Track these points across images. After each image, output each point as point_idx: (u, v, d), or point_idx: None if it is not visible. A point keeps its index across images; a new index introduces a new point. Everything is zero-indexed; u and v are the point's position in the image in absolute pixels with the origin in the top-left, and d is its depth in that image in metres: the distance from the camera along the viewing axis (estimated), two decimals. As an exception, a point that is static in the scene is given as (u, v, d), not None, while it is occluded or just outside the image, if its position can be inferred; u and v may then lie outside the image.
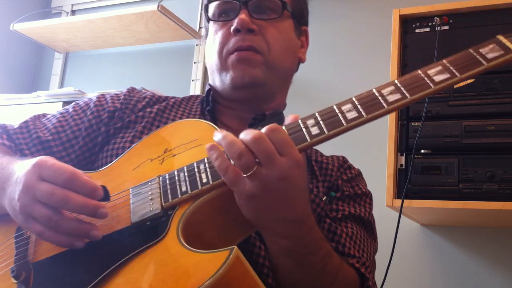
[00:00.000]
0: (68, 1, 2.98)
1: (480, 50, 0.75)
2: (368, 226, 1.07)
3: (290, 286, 0.84)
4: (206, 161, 0.80)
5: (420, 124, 1.63)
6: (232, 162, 0.73)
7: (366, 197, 1.10)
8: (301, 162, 0.74)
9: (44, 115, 1.12)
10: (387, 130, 1.69)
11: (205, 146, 0.75)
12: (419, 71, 0.76)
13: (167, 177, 0.83)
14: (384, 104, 0.74)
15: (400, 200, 1.60)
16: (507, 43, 0.74)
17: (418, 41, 1.72)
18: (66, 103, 2.28)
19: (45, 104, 2.36)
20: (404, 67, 1.72)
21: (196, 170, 0.80)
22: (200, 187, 0.77)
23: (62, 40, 2.79)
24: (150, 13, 2.43)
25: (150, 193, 0.82)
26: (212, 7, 1.09)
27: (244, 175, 0.72)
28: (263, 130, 0.73)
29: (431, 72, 0.75)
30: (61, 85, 2.89)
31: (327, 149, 1.15)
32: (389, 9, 1.82)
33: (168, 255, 0.71)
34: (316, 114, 0.77)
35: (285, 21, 1.09)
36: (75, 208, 0.75)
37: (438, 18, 1.68)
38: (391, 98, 0.74)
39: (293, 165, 0.73)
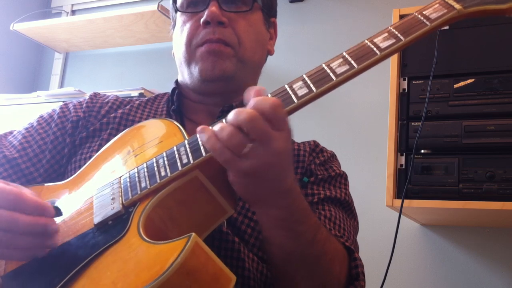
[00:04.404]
0: (68, 1, 2.98)
1: (424, 12, 0.77)
2: (346, 206, 1.06)
3: (281, 260, 0.84)
4: (164, 155, 0.80)
5: (420, 124, 1.63)
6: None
7: (340, 178, 1.09)
8: (291, 133, 0.75)
9: (10, 132, 1.11)
10: (387, 130, 1.69)
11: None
12: (366, 41, 0.77)
13: (128, 175, 0.83)
14: (333, 77, 0.74)
15: (400, 200, 1.60)
16: (450, 1, 0.76)
17: (418, 41, 1.72)
18: (66, 103, 2.28)
19: (45, 104, 2.36)
20: (404, 67, 1.72)
21: (155, 165, 0.80)
22: (159, 181, 0.77)
23: (62, 40, 2.79)
24: (150, 13, 2.43)
25: (111, 193, 0.82)
26: None
27: (238, 155, 0.71)
28: (260, 106, 0.71)
29: (377, 40, 0.76)
30: (61, 85, 2.89)
31: (327, 147, 1.16)
32: (389, 9, 1.82)
33: (130, 250, 0.71)
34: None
35: (255, 14, 1.08)
36: (24, 228, 0.74)
37: (438, 18, 1.68)
38: (339, 70, 0.75)
39: (287, 138, 0.73)
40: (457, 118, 1.63)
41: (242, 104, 1.04)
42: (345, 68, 0.75)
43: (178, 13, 1.09)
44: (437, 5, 0.76)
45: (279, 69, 2.29)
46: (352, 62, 0.75)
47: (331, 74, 0.75)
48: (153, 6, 2.39)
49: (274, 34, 1.17)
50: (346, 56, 0.76)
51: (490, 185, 1.55)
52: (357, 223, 1.09)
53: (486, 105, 1.61)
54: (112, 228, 0.77)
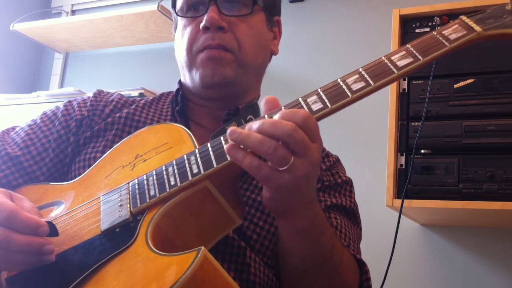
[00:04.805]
0: (68, 1, 2.98)
1: (443, 32, 0.75)
2: (351, 214, 1.06)
3: (300, 271, 0.85)
4: (174, 163, 0.79)
5: (420, 124, 1.63)
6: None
7: (346, 185, 1.09)
8: (322, 143, 0.75)
9: (13, 128, 1.09)
10: (387, 130, 1.69)
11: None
12: (383, 57, 0.75)
13: (136, 182, 0.82)
14: (349, 93, 0.73)
15: (400, 200, 1.60)
16: (470, 23, 0.74)
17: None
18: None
19: (45, 104, 2.36)
20: (404, 67, 1.72)
21: (164, 173, 0.79)
22: (168, 190, 0.76)
23: (62, 40, 2.79)
24: (150, 13, 2.43)
25: (119, 199, 0.81)
26: (180, 1, 1.07)
27: (281, 169, 0.70)
28: (296, 119, 0.70)
29: (394, 57, 0.74)
30: (61, 85, 2.88)
31: (327, 148, 1.16)
32: (389, 9, 1.82)
33: (137, 260, 0.71)
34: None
35: (256, 15, 1.06)
36: (17, 247, 0.73)
37: (438, 18, 1.68)
38: (355, 86, 0.73)
39: (320, 149, 0.73)
40: (457, 118, 1.63)
41: (248, 107, 1.05)
42: (361, 85, 0.73)
43: (179, 17, 1.08)
44: (456, 25, 0.75)
45: (279, 69, 2.29)
46: (369, 79, 0.73)
47: (346, 90, 0.73)
48: (153, 6, 2.39)
49: (278, 32, 1.15)
50: (363, 72, 0.74)
51: (490, 185, 1.55)
52: (361, 229, 1.10)
53: (486, 105, 1.61)
54: (119, 236, 0.76)
